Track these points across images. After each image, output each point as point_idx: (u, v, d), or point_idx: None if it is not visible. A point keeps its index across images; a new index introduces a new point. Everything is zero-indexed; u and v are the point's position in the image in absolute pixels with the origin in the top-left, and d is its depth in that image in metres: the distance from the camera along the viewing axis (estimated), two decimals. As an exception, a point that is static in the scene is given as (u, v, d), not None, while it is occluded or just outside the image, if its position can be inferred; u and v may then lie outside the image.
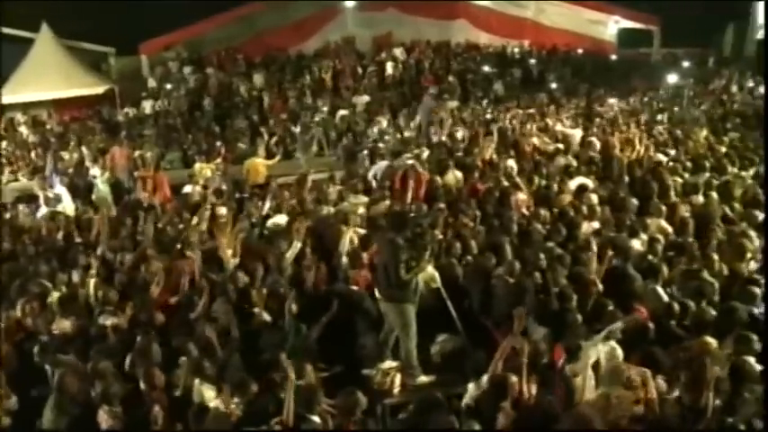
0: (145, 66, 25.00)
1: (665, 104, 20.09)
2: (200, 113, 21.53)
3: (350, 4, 25.90)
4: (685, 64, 26.56)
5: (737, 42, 28.67)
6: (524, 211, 10.12)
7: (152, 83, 23.94)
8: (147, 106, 22.40)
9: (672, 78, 22.42)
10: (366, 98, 22.03)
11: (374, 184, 12.11)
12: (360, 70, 25.22)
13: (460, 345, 7.30)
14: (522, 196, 10.53)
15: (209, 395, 6.01)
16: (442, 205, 10.00)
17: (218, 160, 14.17)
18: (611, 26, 28.83)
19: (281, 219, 10.01)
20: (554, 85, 23.75)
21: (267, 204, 10.68)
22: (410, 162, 11.49)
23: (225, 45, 25.91)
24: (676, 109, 19.39)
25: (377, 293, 7.48)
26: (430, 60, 26.38)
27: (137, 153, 14.89)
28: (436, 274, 7.52)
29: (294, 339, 6.99)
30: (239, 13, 25.20)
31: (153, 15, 22.69)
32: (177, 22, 24.46)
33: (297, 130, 17.76)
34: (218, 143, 17.06)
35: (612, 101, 20.57)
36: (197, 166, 14.33)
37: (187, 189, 12.80)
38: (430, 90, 19.34)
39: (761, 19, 27.35)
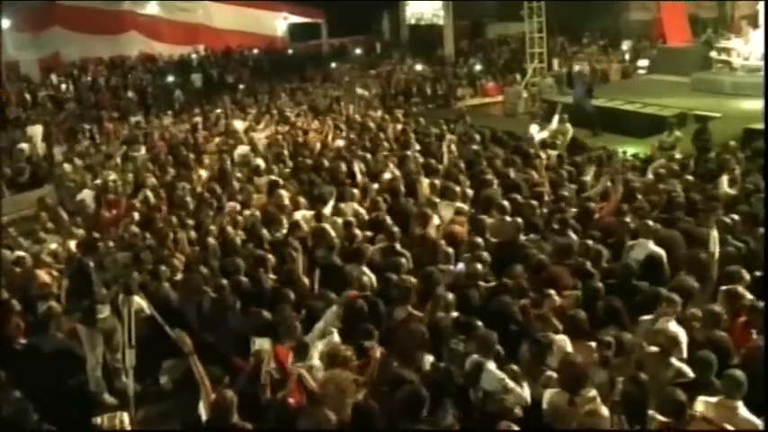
0: None
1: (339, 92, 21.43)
2: None
3: (6, 25, 23.60)
4: (357, 51, 28.54)
5: (394, 29, 31.38)
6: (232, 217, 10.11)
7: None
8: None
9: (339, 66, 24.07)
10: (40, 127, 20.36)
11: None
12: (29, 97, 23.33)
13: (189, 367, 7.23)
14: (230, 204, 10.60)
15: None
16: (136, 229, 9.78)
17: None
18: (280, 23, 29.87)
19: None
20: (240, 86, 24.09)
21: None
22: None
23: None
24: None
25: None
26: (105, 77, 25.23)
27: None
28: (143, 303, 7.34)
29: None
30: None
31: None
32: None
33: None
34: None
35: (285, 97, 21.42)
36: None
37: None
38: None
39: (410, 8, 30.18)
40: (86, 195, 12.16)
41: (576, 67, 20.18)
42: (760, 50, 17.21)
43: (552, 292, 6.64)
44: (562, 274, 7.14)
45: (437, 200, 9.65)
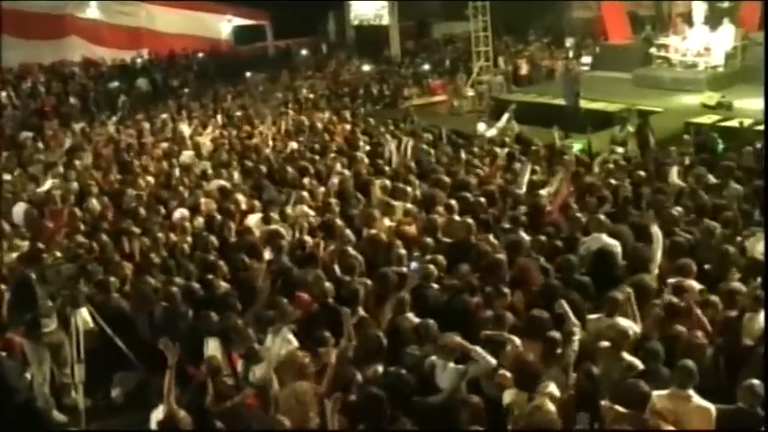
0: None
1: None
2: None
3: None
4: (303, 52, 28.36)
5: (340, 30, 31.32)
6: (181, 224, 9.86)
7: None
8: None
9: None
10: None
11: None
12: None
13: (141, 378, 7.10)
14: (182, 211, 10.38)
15: None
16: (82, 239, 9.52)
17: None
18: (224, 25, 29.50)
19: None
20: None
21: None
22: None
23: None
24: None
25: None
26: (45, 83, 24.58)
27: None
28: (87, 315, 7.17)
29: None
30: None
31: None
32: None
33: None
34: None
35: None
36: None
37: None
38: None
39: (355, 8, 30.09)
40: (28, 205, 11.78)
41: (571, 67, 20.16)
42: (696, 46, 17.71)
43: (507, 291, 6.65)
44: (531, 270, 7.13)
45: (394, 202, 9.56)
